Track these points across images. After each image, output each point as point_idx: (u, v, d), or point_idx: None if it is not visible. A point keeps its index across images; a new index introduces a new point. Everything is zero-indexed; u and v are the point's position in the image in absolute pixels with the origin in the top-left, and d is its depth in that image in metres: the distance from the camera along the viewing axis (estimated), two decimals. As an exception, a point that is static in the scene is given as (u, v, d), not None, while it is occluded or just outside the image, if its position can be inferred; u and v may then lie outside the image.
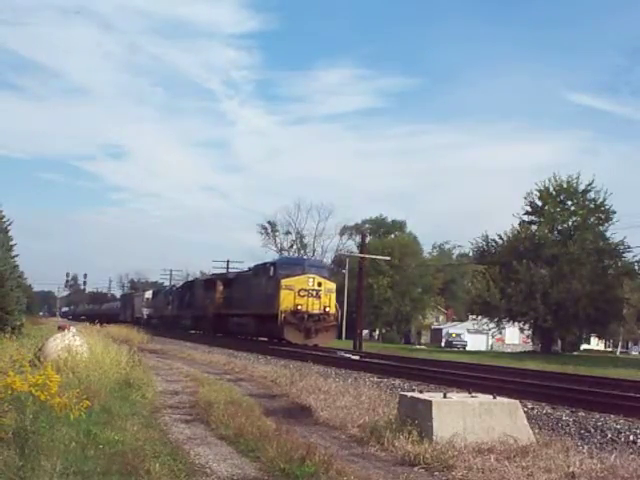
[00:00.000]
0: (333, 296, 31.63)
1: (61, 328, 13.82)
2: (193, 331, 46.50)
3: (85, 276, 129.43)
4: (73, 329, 13.69)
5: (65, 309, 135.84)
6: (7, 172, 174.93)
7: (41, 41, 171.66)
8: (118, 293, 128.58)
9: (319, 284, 30.89)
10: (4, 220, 24.43)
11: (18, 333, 19.03)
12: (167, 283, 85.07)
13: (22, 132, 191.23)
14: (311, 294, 30.46)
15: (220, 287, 41.12)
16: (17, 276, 24.88)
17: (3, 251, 22.59)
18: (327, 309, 30.65)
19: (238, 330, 37.39)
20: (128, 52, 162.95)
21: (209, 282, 44.84)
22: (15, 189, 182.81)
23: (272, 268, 32.82)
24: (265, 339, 34.12)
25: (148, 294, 69.08)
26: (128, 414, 8.64)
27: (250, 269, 39.26)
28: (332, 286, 32.07)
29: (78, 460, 5.78)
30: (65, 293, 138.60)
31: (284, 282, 30.59)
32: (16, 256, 25.34)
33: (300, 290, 30.31)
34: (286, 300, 30.20)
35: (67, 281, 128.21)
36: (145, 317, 64.96)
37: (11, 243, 24.86)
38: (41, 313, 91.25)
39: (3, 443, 5.88)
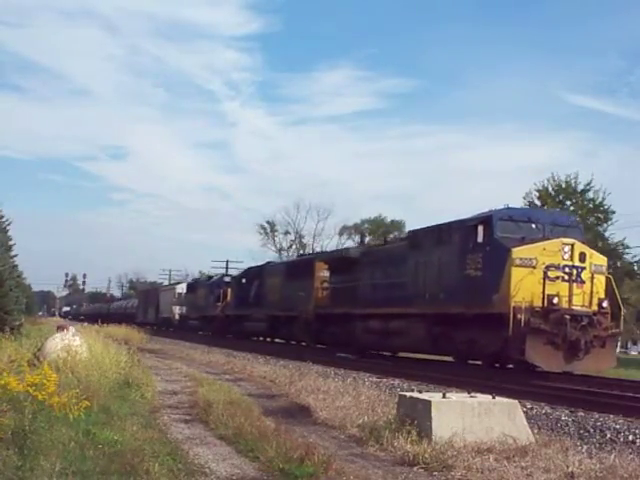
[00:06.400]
0: (604, 279, 16.93)
1: (60, 328, 13.80)
2: (256, 338, 36.11)
3: (84, 276, 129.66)
4: (72, 329, 13.69)
5: (66, 309, 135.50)
6: (8, 172, 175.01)
7: (43, 43, 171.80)
8: (117, 293, 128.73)
9: (581, 256, 16.37)
10: (4, 220, 24.40)
11: (17, 333, 19.00)
12: (166, 283, 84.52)
13: (24, 133, 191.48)
14: (570, 276, 16.10)
15: (322, 272, 27.48)
16: (16, 276, 24.84)
17: (2, 251, 22.56)
18: (603, 304, 16.39)
19: (375, 341, 22.98)
20: (130, 54, 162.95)
21: (300, 266, 30.95)
22: (16, 189, 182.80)
23: (483, 227, 17.11)
24: (448, 358, 20.08)
25: (180, 288, 55.03)
26: (127, 414, 8.64)
27: (404, 237, 23.50)
28: (602, 261, 17.17)
29: (77, 460, 5.77)
30: (64, 293, 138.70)
31: (517, 252, 16.16)
32: (15, 256, 25.31)
33: (549, 267, 15.92)
34: (524, 286, 15.85)
35: (66, 281, 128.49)
36: (177, 317, 52.86)
37: (10, 243, 24.82)
38: (40, 313, 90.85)
39: (2, 443, 5.88)
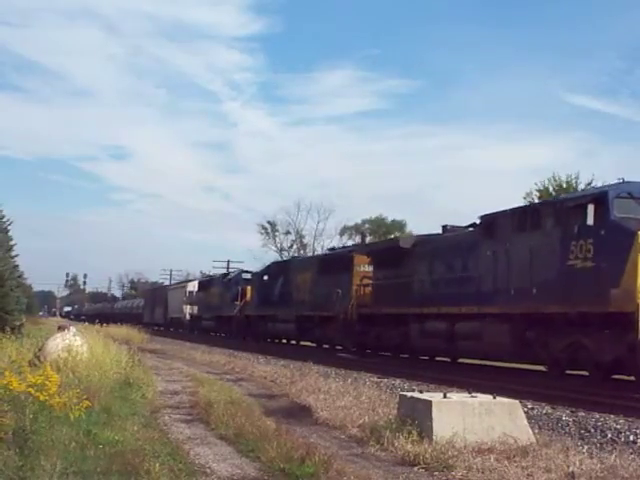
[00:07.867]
0: None
1: (61, 328, 13.81)
2: (274, 341, 34.16)
3: (85, 276, 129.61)
4: (73, 329, 13.69)
5: (67, 309, 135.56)
6: (9, 172, 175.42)
7: (44, 43, 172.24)
8: (118, 293, 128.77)
9: None
10: (4, 220, 24.40)
11: (18, 333, 19.02)
12: (167, 283, 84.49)
13: (24, 133, 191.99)
14: None
15: (362, 267, 24.45)
16: (17, 276, 24.85)
17: (3, 251, 22.57)
18: None
19: (436, 346, 19.42)
20: (131, 54, 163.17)
21: (335, 260, 27.47)
22: (16, 189, 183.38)
23: (595, 206, 13.70)
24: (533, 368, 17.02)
25: (192, 286, 52.35)
26: (128, 414, 8.64)
27: (473, 223, 19.02)
28: None
29: (78, 460, 5.78)
30: (65, 293, 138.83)
31: None
32: (16, 256, 25.32)
33: None
34: None
35: (67, 281, 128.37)
36: (188, 318, 50.85)
37: (11, 243, 24.83)
38: (41, 313, 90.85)
39: (3, 443, 5.88)
